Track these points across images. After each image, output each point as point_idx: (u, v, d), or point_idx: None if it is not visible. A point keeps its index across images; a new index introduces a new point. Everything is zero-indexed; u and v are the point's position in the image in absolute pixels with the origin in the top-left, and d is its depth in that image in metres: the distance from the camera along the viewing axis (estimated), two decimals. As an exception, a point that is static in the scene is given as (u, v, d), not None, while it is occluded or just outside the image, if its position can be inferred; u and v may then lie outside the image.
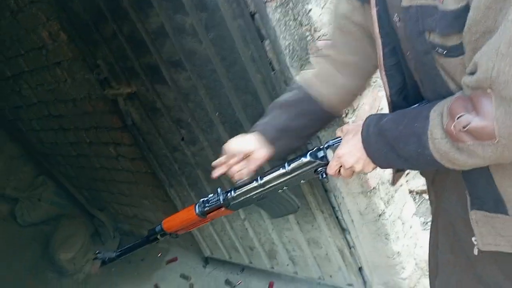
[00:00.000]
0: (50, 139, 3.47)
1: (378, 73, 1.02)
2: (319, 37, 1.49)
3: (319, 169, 1.03)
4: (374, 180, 1.76)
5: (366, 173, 1.55)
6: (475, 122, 0.69)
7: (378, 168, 0.94)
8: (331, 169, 1.00)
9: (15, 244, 3.85)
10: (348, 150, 0.95)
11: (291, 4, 1.46)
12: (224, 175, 1.17)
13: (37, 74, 2.95)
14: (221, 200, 1.16)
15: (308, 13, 1.44)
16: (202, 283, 2.90)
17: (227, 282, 2.76)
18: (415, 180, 2.61)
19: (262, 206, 1.18)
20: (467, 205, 0.89)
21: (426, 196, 2.59)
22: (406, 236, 1.97)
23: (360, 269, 2.11)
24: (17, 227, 3.93)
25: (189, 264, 3.11)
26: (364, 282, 2.14)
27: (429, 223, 2.38)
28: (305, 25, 1.47)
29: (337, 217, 1.96)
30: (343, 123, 1.57)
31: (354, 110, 1.62)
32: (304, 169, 1.04)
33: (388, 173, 1.79)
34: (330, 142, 1.02)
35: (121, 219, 3.73)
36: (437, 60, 0.78)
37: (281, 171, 1.07)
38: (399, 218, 1.92)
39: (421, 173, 1.15)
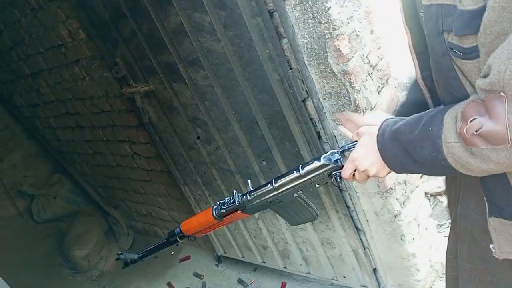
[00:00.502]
0: (67, 137, 3.52)
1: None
2: (337, 35, 1.49)
3: (333, 172, 1.03)
4: (391, 180, 1.75)
5: (381, 178, 1.54)
6: (487, 125, 0.68)
7: (392, 173, 0.93)
8: (346, 172, 0.99)
9: (31, 240, 3.90)
10: (363, 153, 0.94)
11: (310, 2, 1.45)
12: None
13: (55, 72, 2.99)
14: (237, 202, 1.16)
15: (328, 10, 1.44)
16: (214, 282, 2.91)
17: (240, 281, 2.77)
18: (429, 182, 2.60)
19: (281, 213, 1.19)
20: (485, 211, 0.87)
21: (441, 198, 2.58)
22: (422, 237, 1.95)
23: (374, 270, 2.10)
24: (33, 223, 3.98)
25: (202, 263, 3.13)
26: (378, 284, 2.13)
27: (444, 226, 2.38)
28: (324, 23, 1.47)
29: (352, 217, 1.96)
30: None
31: (371, 109, 1.61)
32: (318, 172, 1.04)
33: (404, 173, 1.78)
34: (346, 146, 1.01)
35: (135, 217, 3.76)
36: (454, 62, 0.77)
37: (295, 174, 1.06)
38: (414, 219, 1.91)
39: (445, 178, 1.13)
